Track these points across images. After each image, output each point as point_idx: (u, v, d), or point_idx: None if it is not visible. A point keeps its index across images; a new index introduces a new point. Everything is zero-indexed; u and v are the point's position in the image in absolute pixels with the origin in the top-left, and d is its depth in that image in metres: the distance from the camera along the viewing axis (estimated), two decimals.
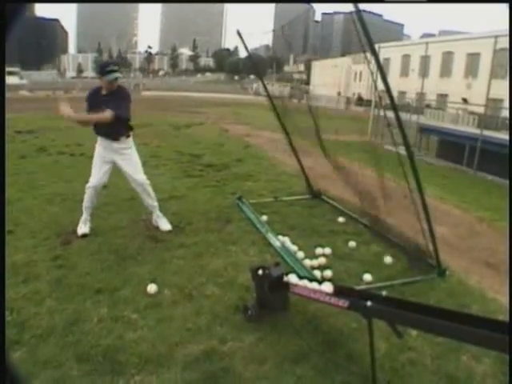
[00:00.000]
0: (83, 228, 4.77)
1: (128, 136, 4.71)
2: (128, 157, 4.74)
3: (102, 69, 4.45)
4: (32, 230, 4.83)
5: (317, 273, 4.00)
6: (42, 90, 42.40)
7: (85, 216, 4.82)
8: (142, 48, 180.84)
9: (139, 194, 4.93)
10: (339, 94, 52.95)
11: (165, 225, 5.01)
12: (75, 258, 4.14)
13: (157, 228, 4.99)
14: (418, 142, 17.26)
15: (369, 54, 3.75)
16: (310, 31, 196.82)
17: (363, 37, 3.51)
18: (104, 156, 4.69)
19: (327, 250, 4.50)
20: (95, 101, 4.48)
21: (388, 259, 4.42)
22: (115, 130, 4.57)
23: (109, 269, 3.94)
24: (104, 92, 4.50)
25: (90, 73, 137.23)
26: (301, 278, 3.25)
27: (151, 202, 4.96)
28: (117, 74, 4.46)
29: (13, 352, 2.67)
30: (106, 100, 4.40)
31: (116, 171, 4.87)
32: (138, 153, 4.86)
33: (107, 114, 4.29)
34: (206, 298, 3.51)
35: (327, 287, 2.94)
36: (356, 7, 3.36)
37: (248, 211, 5.75)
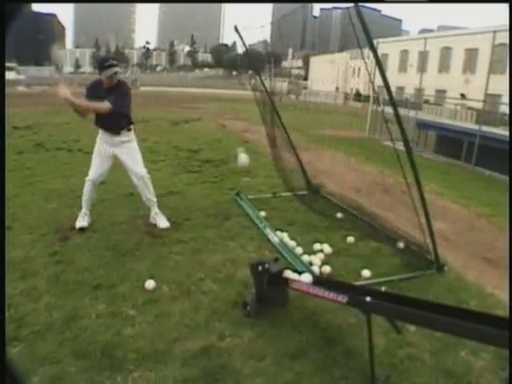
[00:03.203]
0: (81, 221, 4.77)
1: (129, 129, 4.71)
2: (128, 150, 4.72)
3: (101, 64, 4.42)
4: (30, 226, 4.81)
5: (315, 268, 4.00)
6: (39, 86, 42.23)
7: (84, 210, 4.82)
8: (139, 43, 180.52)
9: (138, 189, 4.89)
10: (337, 89, 52.91)
11: (163, 222, 4.97)
12: (73, 254, 4.13)
13: (154, 225, 4.97)
14: (417, 137, 17.25)
15: (367, 50, 3.74)
16: (308, 26, 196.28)
17: (361, 32, 3.49)
18: (105, 150, 4.67)
19: (325, 246, 4.50)
20: (95, 93, 4.43)
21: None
22: (116, 123, 4.57)
23: (107, 265, 3.93)
24: (105, 86, 4.46)
25: (87, 68, 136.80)
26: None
27: (150, 196, 4.93)
28: (116, 69, 4.42)
29: (11, 348, 2.66)
30: (106, 94, 4.37)
31: (115, 167, 4.85)
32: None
33: (105, 106, 4.28)
34: (204, 294, 3.51)
35: (306, 278, 3.05)
36: (355, 4, 3.35)
37: (246, 207, 5.75)
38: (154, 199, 4.98)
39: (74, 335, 2.89)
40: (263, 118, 6.43)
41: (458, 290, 3.82)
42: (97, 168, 4.69)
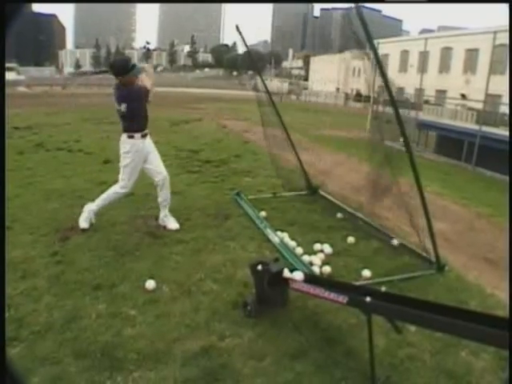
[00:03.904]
0: (86, 223, 4.74)
1: None
2: (154, 149, 4.80)
3: (125, 66, 4.39)
4: (30, 226, 4.81)
5: (316, 268, 4.00)
6: (39, 86, 42.28)
7: (95, 208, 4.76)
8: (140, 44, 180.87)
9: (159, 188, 4.86)
10: (338, 89, 52.90)
11: (173, 224, 4.93)
12: (73, 254, 4.13)
13: (155, 224, 4.97)
14: (417, 137, 17.25)
15: (368, 50, 3.74)
16: (309, 27, 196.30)
17: (362, 33, 3.49)
18: (140, 159, 4.64)
19: (326, 246, 4.49)
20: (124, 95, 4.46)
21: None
22: (146, 124, 4.66)
23: (107, 265, 3.93)
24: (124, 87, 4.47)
25: (87, 68, 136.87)
26: None
27: (167, 198, 4.92)
28: (139, 67, 4.53)
29: (11, 348, 2.66)
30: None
31: (113, 168, 4.85)
32: None
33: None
34: (204, 294, 3.51)
35: (298, 275, 3.10)
36: (356, 4, 3.35)
37: (246, 207, 5.74)
38: (169, 201, 4.97)
39: (75, 335, 2.89)
40: (262, 118, 6.44)
41: (459, 291, 3.82)
42: (134, 178, 4.68)
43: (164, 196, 4.90)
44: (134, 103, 4.46)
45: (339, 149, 12.21)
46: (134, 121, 4.53)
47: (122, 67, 4.41)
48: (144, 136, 4.63)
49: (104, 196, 4.76)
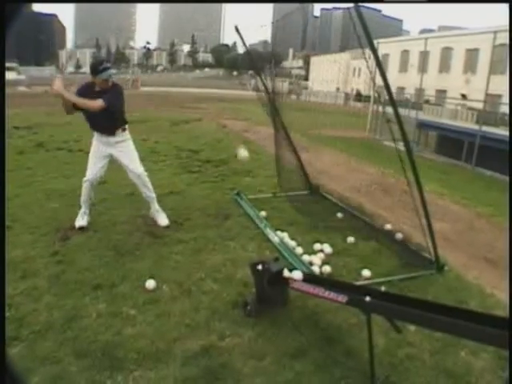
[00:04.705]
0: (81, 221, 4.79)
1: (124, 129, 4.71)
2: (125, 149, 4.75)
3: (96, 67, 4.39)
4: (30, 226, 4.82)
5: (315, 268, 4.00)
6: (39, 86, 42.23)
7: (83, 209, 4.84)
8: (140, 44, 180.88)
9: (138, 187, 4.92)
10: (338, 89, 52.89)
11: (163, 220, 4.99)
12: (74, 254, 4.14)
13: (155, 223, 4.97)
14: (417, 137, 17.24)
15: (367, 50, 3.74)
16: (309, 26, 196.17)
17: (362, 33, 3.49)
18: (101, 151, 4.70)
19: (326, 246, 4.49)
20: (86, 95, 4.39)
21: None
22: (111, 124, 4.59)
23: (107, 264, 3.94)
24: (97, 89, 4.45)
25: (88, 68, 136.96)
26: None
27: (150, 193, 4.95)
28: (111, 71, 4.46)
29: (11, 348, 2.66)
30: (99, 96, 4.37)
31: (115, 167, 4.87)
32: (137, 148, 4.86)
33: (98, 103, 4.28)
34: (204, 294, 3.51)
35: (297, 275, 3.11)
36: (355, 4, 3.35)
37: (246, 206, 5.75)
38: (154, 195, 4.99)
39: (75, 335, 2.89)
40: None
41: (458, 290, 3.82)
42: (93, 168, 4.71)
43: (145, 193, 4.96)
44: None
45: (339, 148, 12.21)
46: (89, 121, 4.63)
47: (92, 68, 4.45)
48: (108, 134, 4.64)
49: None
